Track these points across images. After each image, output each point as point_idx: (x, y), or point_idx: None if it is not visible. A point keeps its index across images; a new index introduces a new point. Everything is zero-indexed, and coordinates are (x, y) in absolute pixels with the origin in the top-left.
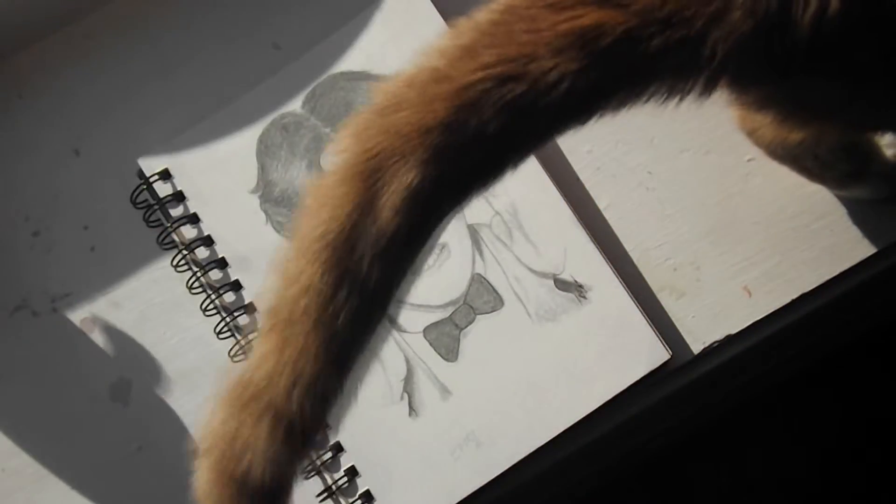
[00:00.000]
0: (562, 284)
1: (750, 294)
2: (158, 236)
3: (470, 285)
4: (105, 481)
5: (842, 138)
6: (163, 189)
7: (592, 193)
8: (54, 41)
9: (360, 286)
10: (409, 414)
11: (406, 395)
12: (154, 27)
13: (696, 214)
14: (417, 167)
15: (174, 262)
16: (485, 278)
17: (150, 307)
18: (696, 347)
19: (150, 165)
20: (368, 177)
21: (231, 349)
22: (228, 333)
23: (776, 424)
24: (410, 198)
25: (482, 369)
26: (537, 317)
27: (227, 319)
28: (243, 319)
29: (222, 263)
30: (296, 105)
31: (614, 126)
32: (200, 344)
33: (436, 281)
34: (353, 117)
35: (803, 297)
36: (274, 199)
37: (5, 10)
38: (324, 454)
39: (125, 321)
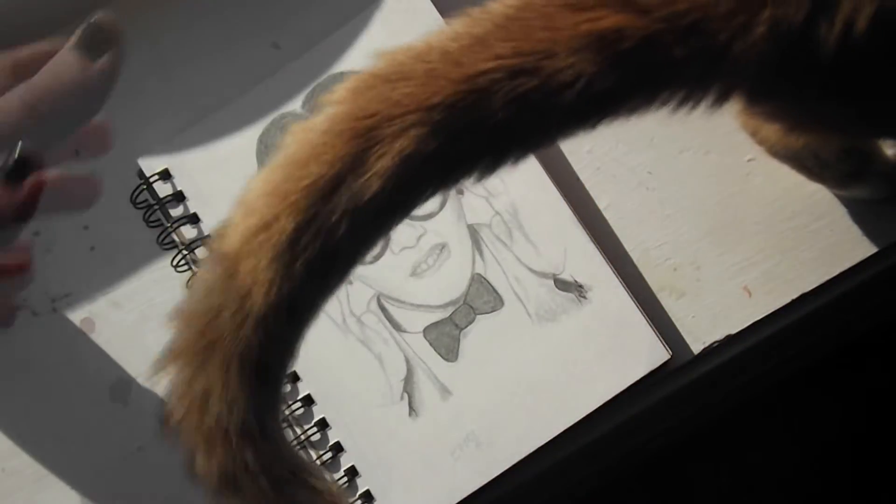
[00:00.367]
0: (562, 284)
1: (750, 294)
2: (158, 236)
3: (470, 285)
4: (105, 481)
5: (845, 142)
6: (163, 189)
7: (592, 193)
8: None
9: (324, 238)
10: (409, 414)
11: (406, 395)
12: (154, 27)
13: (696, 214)
14: (414, 139)
15: (174, 262)
16: (485, 278)
17: (150, 307)
18: (696, 347)
19: (150, 165)
20: (361, 135)
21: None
22: None
23: (776, 424)
24: (401, 165)
25: (482, 369)
26: (537, 317)
27: None
28: None
29: None
30: (296, 105)
31: (614, 126)
32: None
33: (436, 281)
34: (356, 75)
35: (803, 297)
36: None
37: (4, 12)
38: (324, 454)
39: (125, 321)
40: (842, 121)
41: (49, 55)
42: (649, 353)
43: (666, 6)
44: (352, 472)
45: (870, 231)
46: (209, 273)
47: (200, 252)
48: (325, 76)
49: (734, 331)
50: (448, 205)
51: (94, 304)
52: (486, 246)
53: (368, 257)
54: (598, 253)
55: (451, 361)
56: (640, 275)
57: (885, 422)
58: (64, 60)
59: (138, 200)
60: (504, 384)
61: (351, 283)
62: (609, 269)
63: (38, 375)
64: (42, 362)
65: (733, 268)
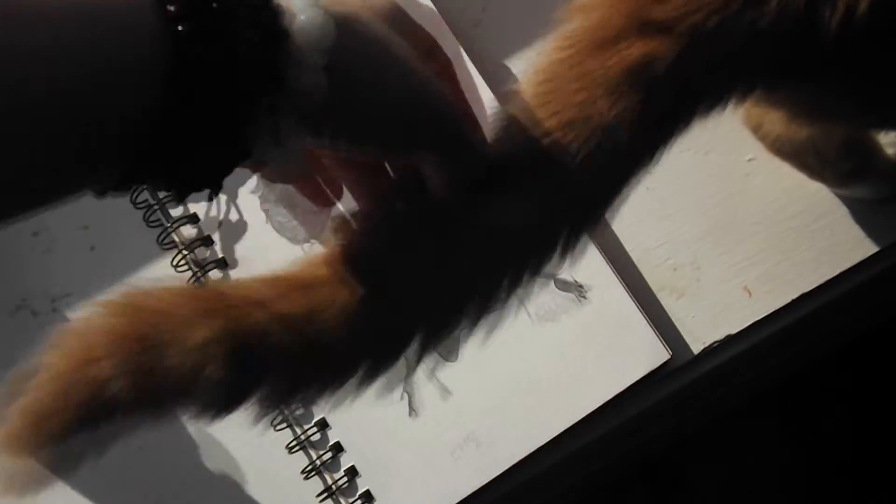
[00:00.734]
0: (562, 284)
1: (750, 294)
2: (158, 236)
3: None
4: (105, 481)
5: (847, 134)
6: None
7: None
8: None
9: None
10: (409, 414)
11: (406, 395)
12: None
13: (696, 214)
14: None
15: (174, 262)
16: None
17: None
18: (696, 347)
19: None
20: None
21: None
22: None
23: (776, 424)
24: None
25: (482, 369)
26: (537, 317)
27: None
28: None
29: (222, 263)
30: None
31: None
32: None
33: None
34: None
35: (803, 297)
36: (274, 199)
37: None
38: (324, 454)
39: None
40: (843, 107)
41: None
42: (649, 353)
43: (684, 19)
44: (352, 472)
45: (870, 231)
46: None
47: (200, 252)
48: None
49: (734, 331)
50: None
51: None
52: None
53: None
54: (598, 253)
55: (451, 361)
56: (640, 275)
57: (886, 422)
58: None
59: (138, 200)
60: (504, 384)
61: None
62: (609, 269)
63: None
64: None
65: (733, 268)
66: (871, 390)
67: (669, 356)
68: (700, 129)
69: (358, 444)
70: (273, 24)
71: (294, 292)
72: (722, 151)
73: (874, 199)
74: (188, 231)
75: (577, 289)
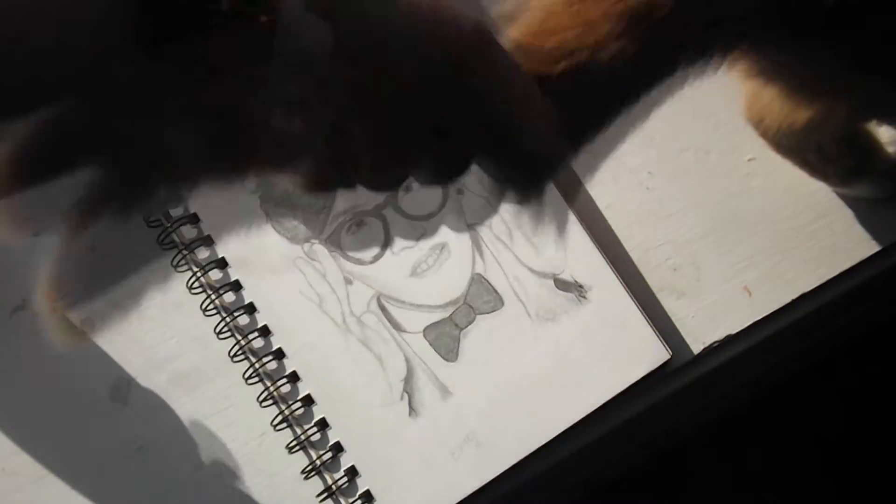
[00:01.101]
0: (562, 284)
1: (750, 294)
2: (158, 236)
3: (470, 285)
4: (105, 481)
5: (846, 126)
6: None
7: (592, 193)
8: None
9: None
10: (409, 414)
11: (406, 395)
12: None
13: (696, 214)
14: None
15: (174, 262)
16: (485, 278)
17: (150, 307)
18: (696, 347)
19: None
20: None
21: (231, 349)
22: (228, 333)
23: (776, 424)
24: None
25: (482, 369)
26: (537, 317)
27: (227, 319)
28: (243, 319)
29: (222, 263)
30: None
31: (614, 126)
32: (200, 344)
33: (436, 281)
34: None
35: (803, 297)
36: (274, 199)
37: None
38: (324, 454)
39: (125, 321)
40: (837, 81)
41: None
42: (649, 353)
43: None
44: (352, 472)
45: (870, 231)
46: None
47: (200, 252)
48: None
49: (734, 331)
50: (448, 204)
51: (94, 304)
52: (486, 246)
53: (368, 257)
54: (598, 253)
55: (451, 361)
56: (640, 275)
57: (886, 422)
58: None
59: None
60: (504, 384)
61: (351, 283)
62: (609, 269)
63: (38, 375)
64: (42, 362)
65: (733, 268)
66: (871, 390)
67: (669, 356)
68: (700, 129)
69: (358, 443)
70: None
71: None
72: (722, 151)
73: (875, 197)
74: (188, 231)
75: (577, 289)
